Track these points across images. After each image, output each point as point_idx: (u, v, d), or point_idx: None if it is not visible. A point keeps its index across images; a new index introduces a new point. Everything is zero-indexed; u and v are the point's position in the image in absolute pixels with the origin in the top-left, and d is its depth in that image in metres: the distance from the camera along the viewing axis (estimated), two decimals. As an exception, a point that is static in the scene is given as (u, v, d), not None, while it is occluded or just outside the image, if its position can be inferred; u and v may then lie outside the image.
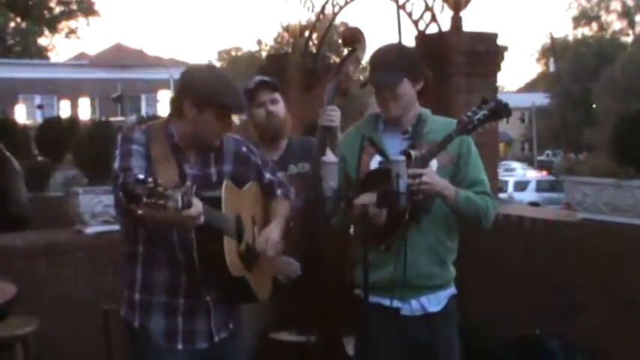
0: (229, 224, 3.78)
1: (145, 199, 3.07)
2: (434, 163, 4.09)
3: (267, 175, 4.25)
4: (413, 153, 3.97)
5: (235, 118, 5.34)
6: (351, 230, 4.17)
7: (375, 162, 4.23)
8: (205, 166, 3.96)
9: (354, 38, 5.11)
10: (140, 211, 3.12)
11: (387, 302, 4.21)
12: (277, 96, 5.22)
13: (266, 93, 5.16)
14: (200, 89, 3.79)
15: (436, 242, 4.26)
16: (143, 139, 3.81)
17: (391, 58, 4.28)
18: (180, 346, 3.91)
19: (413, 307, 4.26)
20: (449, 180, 4.14)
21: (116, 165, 3.74)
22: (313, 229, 4.76)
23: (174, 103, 3.89)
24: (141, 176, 3.12)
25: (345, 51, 5.18)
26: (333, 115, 4.98)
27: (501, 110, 3.98)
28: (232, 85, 3.91)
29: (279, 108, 5.21)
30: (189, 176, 3.85)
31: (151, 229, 3.73)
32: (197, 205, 3.40)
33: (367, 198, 3.97)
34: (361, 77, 5.13)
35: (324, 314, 4.76)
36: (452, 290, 4.40)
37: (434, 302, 4.29)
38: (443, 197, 4.06)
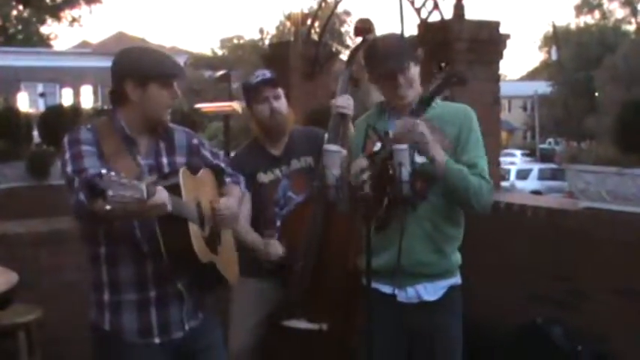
0: (192, 210, 3.74)
1: (110, 193, 3.02)
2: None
3: (218, 163, 4.22)
4: (390, 132, 4.03)
5: (238, 107, 5.34)
6: (341, 206, 4.20)
7: (377, 147, 4.23)
8: (158, 156, 3.91)
9: (366, 28, 5.12)
10: (108, 206, 3.06)
11: (384, 289, 4.22)
12: (279, 91, 5.23)
13: (268, 89, 5.17)
14: (137, 66, 3.75)
15: (433, 229, 4.24)
16: (91, 138, 3.73)
17: (397, 45, 4.31)
18: (157, 340, 3.86)
19: (409, 294, 4.27)
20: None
21: (69, 169, 3.64)
22: (322, 217, 4.77)
23: (116, 92, 3.83)
24: (103, 170, 3.08)
25: (357, 41, 5.18)
26: (348, 103, 4.98)
27: (453, 76, 4.07)
28: (164, 53, 3.90)
29: (282, 104, 5.22)
30: (144, 167, 3.81)
31: (113, 225, 3.68)
32: (161, 193, 3.36)
33: (360, 162, 3.98)
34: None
35: (334, 302, 4.77)
36: (453, 280, 4.39)
37: (430, 291, 4.29)
38: (432, 158, 4.02)
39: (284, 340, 4.87)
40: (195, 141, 4.11)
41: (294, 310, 4.82)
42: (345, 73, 5.10)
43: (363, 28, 5.12)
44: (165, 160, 3.90)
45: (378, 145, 4.22)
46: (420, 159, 4.03)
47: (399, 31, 8.33)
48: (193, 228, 3.69)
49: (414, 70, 4.26)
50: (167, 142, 3.94)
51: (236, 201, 4.16)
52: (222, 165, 4.25)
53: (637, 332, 5.80)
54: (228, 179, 4.26)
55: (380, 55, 4.25)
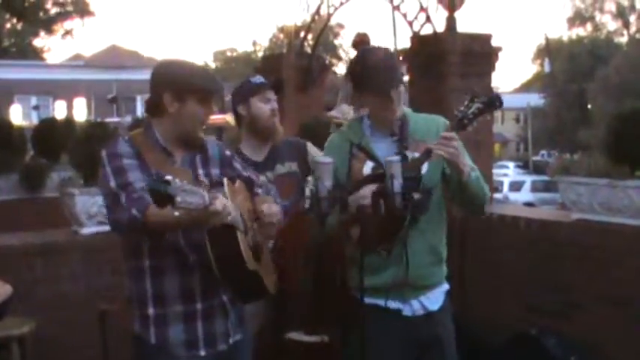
0: (238, 217, 3.66)
1: (179, 199, 3.01)
2: (424, 165, 4.07)
3: (249, 174, 4.17)
4: (409, 154, 3.99)
5: (230, 119, 5.35)
6: (353, 233, 4.15)
7: (367, 168, 4.19)
8: (194, 168, 3.86)
9: (364, 43, 5.14)
10: (176, 212, 3.05)
11: (389, 304, 4.22)
12: (276, 98, 5.24)
13: (271, 92, 5.18)
14: (177, 79, 3.71)
15: (436, 241, 4.27)
16: (131, 151, 3.69)
17: (387, 58, 4.29)
18: (202, 352, 3.80)
19: (414, 307, 4.26)
20: (440, 174, 4.16)
21: (112, 183, 3.58)
22: (320, 229, 4.77)
23: (152, 103, 3.79)
24: (168, 177, 3.03)
25: (352, 55, 5.21)
26: (350, 113, 5.01)
27: (494, 100, 4.00)
28: (204, 68, 3.90)
29: (277, 111, 5.23)
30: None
31: (161, 237, 3.64)
32: (222, 200, 3.35)
33: (367, 190, 3.97)
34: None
35: (333, 313, 4.77)
36: (446, 286, 4.41)
37: (433, 300, 4.29)
38: (461, 169, 4.01)
39: (284, 354, 4.86)
40: (227, 152, 4.08)
41: (293, 323, 4.81)
42: (344, 86, 5.12)
43: (361, 42, 5.14)
44: (201, 172, 3.86)
45: (368, 165, 4.19)
46: (423, 169, 4.04)
47: (391, 44, 8.36)
48: (241, 236, 3.64)
49: (402, 85, 4.27)
50: (202, 154, 3.90)
51: (279, 209, 4.08)
52: (253, 176, 4.20)
53: (630, 342, 5.83)
54: (259, 190, 4.18)
55: (373, 70, 4.21)
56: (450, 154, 3.91)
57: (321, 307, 4.74)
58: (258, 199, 4.06)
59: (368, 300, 4.20)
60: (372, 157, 4.20)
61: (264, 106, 5.12)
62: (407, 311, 4.25)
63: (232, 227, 3.55)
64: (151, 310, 3.76)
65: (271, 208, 3.95)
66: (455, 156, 3.94)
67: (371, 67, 4.23)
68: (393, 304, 4.22)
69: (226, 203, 3.38)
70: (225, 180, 3.73)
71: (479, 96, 3.98)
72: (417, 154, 4.02)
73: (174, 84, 3.70)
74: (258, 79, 5.26)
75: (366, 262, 4.10)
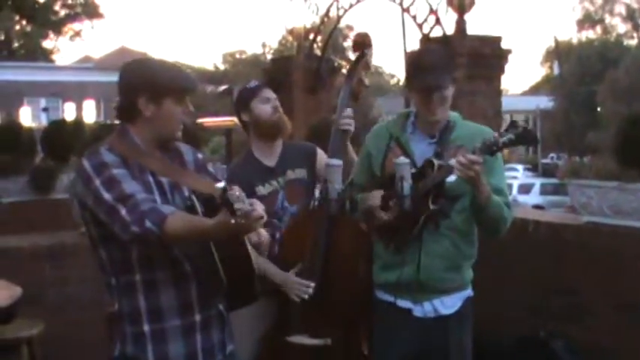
0: None
1: (237, 206, 2.90)
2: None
3: (221, 179, 4.03)
4: (436, 162, 3.97)
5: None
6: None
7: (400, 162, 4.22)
8: None
9: (364, 43, 5.13)
10: (233, 220, 2.91)
11: (400, 303, 4.23)
12: (276, 96, 5.24)
13: (270, 91, 5.17)
14: (150, 81, 3.51)
15: (452, 248, 4.26)
16: (117, 160, 3.46)
17: (441, 60, 4.29)
18: None
19: (425, 309, 4.27)
20: (471, 189, 4.11)
21: (106, 196, 3.36)
22: (326, 232, 4.75)
23: (125, 108, 3.58)
24: (221, 184, 2.95)
25: (353, 56, 5.20)
26: (350, 119, 4.99)
27: (527, 137, 3.92)
28: (177, 66, 3.72)
29: (280, 107, 5.23)
30: (166, 184, 3.59)
31: (157, 249, 3.44)
32: (259, 204, 3.18)
33: (376, 197, 3.98)
34: (366, 81, 5.12)
35: (340, 316, 4.76)
36: (467, 292, 4.40)
37: (448, 305, 4.30)
38: (480, 192, 4.00)
39: (287, 357, 4.86)
40: (200, 155, 3.89)
41: (296, 326, 4.81)
42: (345, 88, 5.10)
43: (362, 42, 5.14)
44: None
45: (401, 159, 4.14)
46: (451, 177, 4.03)
47: (401, 46, 8.36)
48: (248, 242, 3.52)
49: (450, 90, 4.24)
50: (178, 159, 3.72)
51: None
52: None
53: (639, 346, 5.81)
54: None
55: (422, 68, 4.22)
56: (467, 177, 3.90)
57: (326, 310, 4.73)
58: None
59: (381, 295, 4.23)
60: (407, 153, 4.21)
61: (264, 106, 5.11)
62: (417, 312, 4.26)
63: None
64: (146, 327, 3.54)
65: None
66: (473, 180, 3.93)
67: (419, 67, 4.24)
68: (403, 303, 4.23)
69: (263, 208, 3.19)
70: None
71: (517, 127, 3.92)
72: (453, 161, 3.97)
73: (149, 86, 3.51)
74: (253, 83, 5.27)
75: (383, 258, 4.13)
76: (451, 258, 4.26)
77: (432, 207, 3.96)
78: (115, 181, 3.38)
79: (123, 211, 3.30)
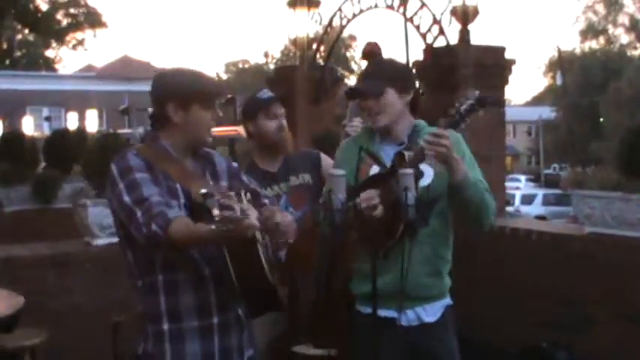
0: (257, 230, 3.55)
1: (215, 212, 2.93)
2: (430, 172, 4.08)
3: (255, 187, 4.07)
4: (406, 154, 3.97)
5: (243, 131, 5.35)
6: (351, 235, 4.16)
7: (373, 172, 4.22)
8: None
9: (374, 52, 5.15)
10: (213, 226, 2.95)
11: (383, 312, 4.22)
12: (284, 111, 5.26)
13: (278, 106, 5.19)
14: (179, 88, 3.65)
15: (432, 254, 4.24)
16: (143, 165, 3.59)
17: (375, 68, 4.32)
18: None
19: (409, 317, 4.26)
20: (446, 186, 4.09)
21: (126, 198, 3.49)
22: (330, 242, 4.74)
23: (156, 115, 3.72)
24: (203, 190, 2.99)
25: (364, 64, 5.22)
26: (359, 126, 5.00)
27: (486, 99, 3.94)
28: (205, 73, 3.82)
29: (286, 123, 5.24)
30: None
31: (183, 252, 3.54)
32: (253, 213, 3.25)
33: (370, 193, 3.98)
34: None
35: (341, 327, 4.75)
36: (447, 300, 4.39)
37: (430, 312, 4.29)
38: (454, 170, 3.96)
39: None
40: (234, 164, 4.04)
41: (301, 336, 4.80)
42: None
43: (371, 51, 5.15)
44: (211, 185, 3.74)
45: (374, 169, 4.21)
46: (425, 180, 4.04)
47: (404, 56, 8.37)
48: (262, 249, 3.57)
49: (391, 97, 4.22)
50: (211, 167, 3.85)
51: (292, 218, 3.90)
52: (258, 189, 4.10)
53: (642, 357, 5.81)
54: (266, 201, 4.06)
55: (359, 76, 4.27)
56: (440, 153, 3.90)
57: (330, 320, 4.72)
58: (265, 210, 3.91)
59: (362, 308, 4.23)
60: (378, 161, 4.22)
61: (270, 122, 5.13)
62: (402, 321, 4.25)
63: (252, 240, 3.44)
64: (165, 326, 3.65)
65: (286, 218, 3.81)
66: (445, 155, 3.91)
67: (361, 73, 4.27)
68: (388, 313, 4.22)
69: (257, 215, 3.30)
70: (242, 192, 3.59)
71: (474, 93, 3.96)
72: (421, 141, 3.96)
73: (177, 93, 3.65)
74: (264, 93, 5.25)
75: (361, 268, 4.13)
76: (432, 263, 4.25)
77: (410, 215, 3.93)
78: (136, 184, 3.51)
79: (138, 214, 3.42)
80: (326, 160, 5.25)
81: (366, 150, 4.25)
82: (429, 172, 4.07)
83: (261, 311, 3.87)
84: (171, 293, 3.63)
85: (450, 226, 4.33)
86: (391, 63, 4.45)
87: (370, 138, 4.38)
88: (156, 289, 3.65)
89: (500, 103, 4.05)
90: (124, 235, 3.63)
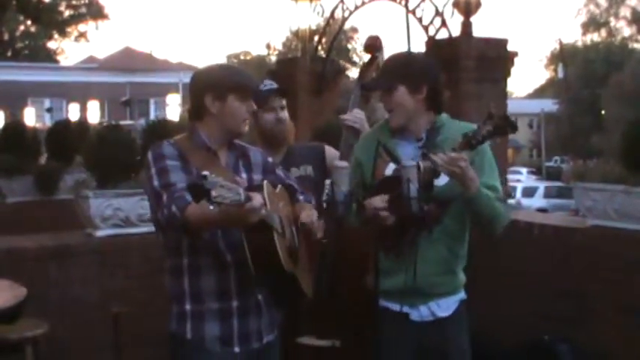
0: (276, 219, 3.71)
1: (214, 193, 3.05)
2: (445, 174, 4.03)
3: (291, 182, 4.21)
4: (422, 164, 3.93)
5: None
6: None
7: (389, 169, 4.21)
8: (237, 172, 3.94)
9: (375, 45, 5.14)
10: (211, 206, 3.09)
11: (396, 307, 4.21)
12: (284, 102, 5.24)
13: (277, 99, 5.18)
14: (216, 81, 3.85)
15: (447, 252, 4.23)
16: (175, 153, 3.81)
17: (389, 66, 4.29)
18: (237, 349, 3.87)
19: (422, 313, 4.25)
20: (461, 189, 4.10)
21: (155, 183, 3.71)
22: (335, 234, 4.72)
23: (194, 106, 3.93)
24: (205, 172, 3.09)
25: (366, 57, 5.20)
26: (358, 117, 4.99)
27: (505, 126, 3.87)
28: (239, 68, 4.10)
29: (286, 114, 5.23)
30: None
31: (199, 236, 3.73)
32: (258, 198, 3.39)
33: (378, 200, 3.96)
34: None
35: (345, 317, 4.74)
36: (461, 295, 4.38)
37: (444, 307, 4.28)
38: (467, 187, 3.94)
39: (295, 358, 4.84)
40: (270, 159, 4.19)
41: (304, 327, 4.79)
42: (356, 89, 5.11)
43: (373, 45, 5.14)
44: (244, 176, 3.93)
45: (390, 167, 4.20)
46: (440, 181, 4.00)
47: (406, 48, 8.36)
48: (278, 237, 3.69)
49: (402, 96, 4.19)
50: (245, 159, 4.03)
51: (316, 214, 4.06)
52: (295, 184, 4.25)
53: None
54: (301, 197, 4.20)
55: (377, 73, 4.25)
56: (453, 173, 3.88)
57: (334, 311, 4.72)
58: (298, 206, 4.11)
59: (380, 302, 4.22)
60: (394, 158, 4.20)
61: (270, 115, 5.13)
62: (415, 316, 4.25)
63: (269, 227, 3.61)
64: (188, 307, 3.86)
65: (310, 216, 3.97)
66: (458, 176, 3.89)
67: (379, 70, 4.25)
68: (399, 308, 4.21)
69: (261, 201, 3.42)
70: (265, 182, 3.79)
71: (492, 117, 3.90)
72: (437, 160, 3.94)
73: (214, 85, 3.84)
74: (265, 85, 5.22)
75: (380, 265, 4.12)
76: (447, 262, 4.25)
77: (426, 208, 3.92)
78: (166, 170, 3.73)
79: (164, 197, 3.63)
80: (330, 152, 5.25)
81: (383, 146, 4.25)
82: (443, 174, 4.03)
83: (284, 299, 4.02)
84: (194, 276, 3.83)
85: (467, 225, 4.32)
86: (407, 59, 4.40)
87: (387, 132, 4.35)
88: (181, 271, 3.86)
89: (514, 126, 3.99)
90: (155, 218, 3.78)
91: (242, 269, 3.73)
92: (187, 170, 3.74)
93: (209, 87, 3.84)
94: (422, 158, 3.94)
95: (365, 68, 5.14)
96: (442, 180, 4.00)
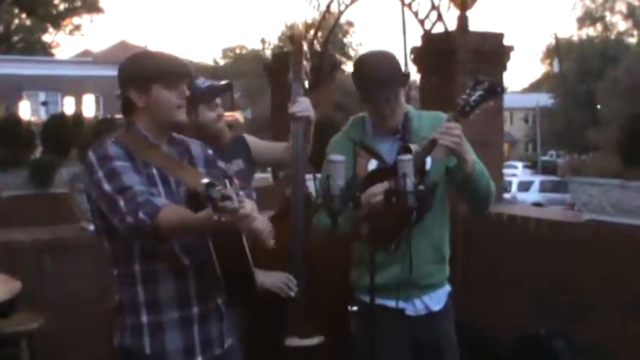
0: (267, 225, 3.60)
1: (219, 203, 2.87)
2: (428, 160, 4.04)
3: (232, 175, 3.92)
4: (413, 147, 3.94)
5: (240, 117, 5.31)
6: (362, 230, 4.12)
7: (372, 166, 4.21)
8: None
9: (297, 36, 5.17)
10: (215, 216, 2.90)
11: (391, 303, 4.20)
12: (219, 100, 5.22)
13: (218, 97, 5.14)
14: (138, 73, 3.61)
15: (438, 239, 4.28)
16: (122, 152, 3.53)
17: (386, 74, 4.18)
18: (199, 358, 3.66)
19: (417, 306, 4.26)
20: (445, 172, 4.13)
21: (106, 187, 3.43)
22: (306, 229, 4.68)
23: (123, 103, 3.68)
24: (205, 180, 2.91)
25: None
26: (306, 105, 4.94)
27: (495, 88, 3.94)
28: (165, 54, 3.78)
29: (222, 112, 5.21)
30: (171, 177, 3.64)
31: (170, 241, 3.50)
32: (250, 203, 3.21)
33: (379, 188, 3.95)
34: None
35: (324, 315, 4.70)
36: (448, 287, 4.41)
37: (435, 300, 4.31)
38: (465, 160, 3.97)
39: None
40: (210, 152, 3.96)
41: (290, 329, 4.73)
42: (296, 81, 5.07)
43: (291, 35, 5.15)
44: None
45: (373, 163, 4.20)
46: (427, 165, 4.01)
47: (401, 42, 8.35)
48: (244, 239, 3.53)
49: (400, 95, 4.22)
50: (187, 154, 3.79)
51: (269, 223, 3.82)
52: (235, 178, 4.07)
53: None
54: (241, 192, 4.08)
55: (368, 82, 4.16)
56: (454, 143, 3.88)
57: (312, 309, 4.68)
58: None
59: (367, 299, 4.21)
60: (375, 155, 4.21)
61: (211, 113, 5.09)
62: (410, 311, 4.26)
63: (237, 230, 3.40)
64: (144, 318, 3.59)
65: (263, 222, 3.69)
66: (459, 145, 3.90)
67: (367, 78, 4.18)
68: (392, 303, 4.21)
69: (253, 205, 3.26)
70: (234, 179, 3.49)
71: (481, 82, 3.94)
72: (436, 134, 3.94)
73: (136, 77, 3.62)
74: (204, 82, 5.17)
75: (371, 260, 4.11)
76: (438, 250, 4.29)
77: (420, 189, 3.90)
78: (116, 173, 3.44)
79: (121, 203, 3.36)
80: (251, 139, 5.25)
81: (360, 144, 4.23)
82: (427, 160, 4.05)
83: (240, 300, 3.87)
84: (150, 284, 3.57)
85: (447, 209, 4.35)
86: (391, 61, 4.36)
87: (362, 130, 4.35)
88: (133, 280, 3.59)
89: (503, 88, 4.01)
90: (102, 224, 3.58)
91: (202, 272, 3.58)
92: (138, 170, 3.50)
93: (132, 80, 3.62)
94: (403, 150, 3.94)
95: (295, 62, 5.14)
96: (427, 164, 4.02)
